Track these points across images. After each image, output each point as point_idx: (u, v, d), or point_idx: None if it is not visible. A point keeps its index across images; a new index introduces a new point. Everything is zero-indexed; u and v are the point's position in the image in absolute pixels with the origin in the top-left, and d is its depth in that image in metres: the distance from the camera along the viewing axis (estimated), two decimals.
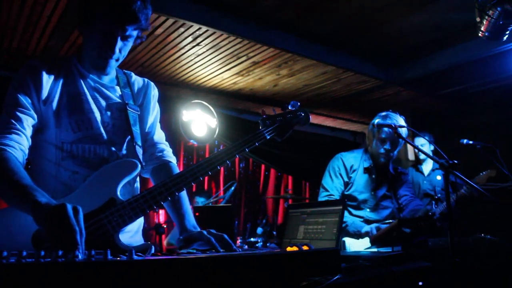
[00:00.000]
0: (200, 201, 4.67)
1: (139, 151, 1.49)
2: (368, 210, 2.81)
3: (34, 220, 1.06)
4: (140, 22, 1.34)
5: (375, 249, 2.50)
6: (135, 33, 1.40)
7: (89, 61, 1.43)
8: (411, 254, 1.79)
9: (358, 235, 2.64)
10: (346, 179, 2.86)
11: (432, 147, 4.28)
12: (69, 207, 1.03)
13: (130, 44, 1.43)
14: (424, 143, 4.26)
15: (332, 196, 2.80)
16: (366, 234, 2.62)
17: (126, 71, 1.62)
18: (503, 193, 3.49)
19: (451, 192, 2.22)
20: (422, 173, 4.41)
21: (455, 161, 2.13)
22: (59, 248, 0.86)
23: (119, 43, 1.37)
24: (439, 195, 4.25)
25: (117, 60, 1.42)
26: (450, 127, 5.80)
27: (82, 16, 1.36)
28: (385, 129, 2.74)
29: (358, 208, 2.81)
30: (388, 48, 4.29)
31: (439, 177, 4.39)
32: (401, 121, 2.80)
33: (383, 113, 2.85)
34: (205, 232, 1.37)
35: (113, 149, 1.43)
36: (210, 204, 4.52)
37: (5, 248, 0.80)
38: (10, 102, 1.32)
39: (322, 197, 2.84)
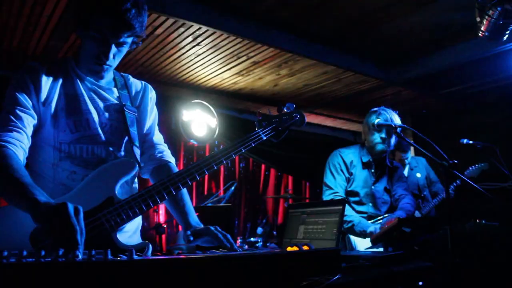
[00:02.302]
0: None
1: (137, 151, 1.51)
2: (370, 204, 2.82)
3: (32, 218, 1.06)
4: (134, 29, 1.35)
5: (381, 249, 2.50)
6: (129, 39, 1.41)
7: (85, 65, 1.44)
8: (411, 254, 1.80)
9: (364, 234, 2.64)
10: (347, 175, 2.86)
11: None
12: (70, 206, 1.03)
13: (125, 49, 1.45)
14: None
15: (336, 194, 2.79)
16: (371, 234, 2.62)
17: (123, 73, 1.63)
18: (503, 193, 3.50)
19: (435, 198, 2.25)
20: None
21: (455, 161, 2.13)
22: (59, 247, 0.86)
23: (113, 50, 1.38)
24: (424, 193, 4.29)
25: (111, 65, 1.44)
26: (450, 127, 5.80)
27: (78, 22, 1.37)
28: (381, 119, 2.78)
29: (361, 203, 2.82)
30: (388, 48, 4.29)
31: (418, 175, 4.43)
32: (395, 116, 2.83)
33: (375, 109, 2.88)
34: (212, 228, 1.39)
35: (111, 149, 1.44)
36: (210, 204, 4.52)
37: (4, 246, 0.80)
38: (10, 101, 1.32)
39: (327, 195, 2.83)
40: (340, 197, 2.79)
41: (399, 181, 3.01)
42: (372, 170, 2.88)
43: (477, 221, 3.25)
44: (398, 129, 2.71)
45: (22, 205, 1.11)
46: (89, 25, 1.33)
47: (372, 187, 2.84)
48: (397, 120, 2.83)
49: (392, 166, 3.01)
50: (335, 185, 2.83)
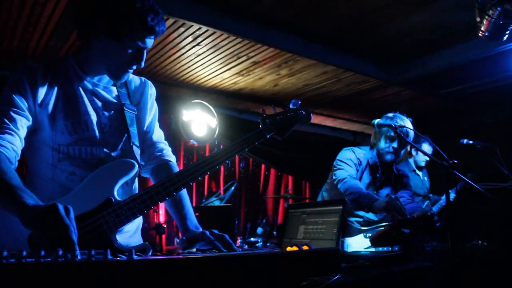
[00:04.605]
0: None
1: (137, 151, 1.48)
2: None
3: (21, 222, 1.04)
4: (157, 35, 1.41)
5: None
6: None
7: (107, 71, 1.42)
8: (411, 254, 1.79)
9: (368, 208, 2.55)
10: (357, 167, 2.85)
11: (431, 149, 4.26)
12: (61, 206, 1.02)
13: None
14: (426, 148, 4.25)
15: (351, 172, 2.76)
16: (376, 209, 2.50)
17: None
18: (503, 193, 3.49)
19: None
20: (419, 176, 4.40)
21: (455, 161, 2.13)
22: (55, 247, 0.85)
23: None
24: (430, 195, 4.30)
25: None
26: (450, 127, 5.80)
27: (106, 32, 1.34)
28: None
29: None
30: (388, 48, 4.29)
31: (425, 178, 4.45)
32: (407, 123, 2.79)
33: (390, 114, 2.85)
34: (207, 233, 1.38)
35: (110, 150, 1.42)
36: (212, 201, 4.54)
37: (4, 247, 0.80)
38: (5, 102, 1.30)
39: (343, 174, 2.78)
40: (351, 177, 2.75)
41: (404, 189, 2.98)
42: (377, 175, 2.86)
43: (479, 242, 3.24)
44: (403, 130, 2.69)
45: (10, 208, 1.09)
46: (122, 36, 1.33)
47: (374, 192, 2.82)
48: (410, 128, 2.78)
49: (399, 175, 2.98)
50: (348, 168, 2.78)
